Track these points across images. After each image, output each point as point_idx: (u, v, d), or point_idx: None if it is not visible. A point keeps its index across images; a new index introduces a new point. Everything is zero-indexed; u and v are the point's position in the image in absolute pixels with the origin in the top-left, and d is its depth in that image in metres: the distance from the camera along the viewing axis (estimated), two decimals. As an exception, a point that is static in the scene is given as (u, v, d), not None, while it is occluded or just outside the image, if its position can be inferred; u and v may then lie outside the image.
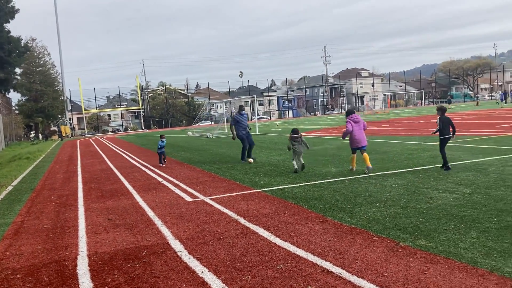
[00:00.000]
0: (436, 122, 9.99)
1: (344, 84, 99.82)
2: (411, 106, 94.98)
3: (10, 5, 31.40)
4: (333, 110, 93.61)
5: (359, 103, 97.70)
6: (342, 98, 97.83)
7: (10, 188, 12.25)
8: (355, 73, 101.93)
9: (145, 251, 5.46)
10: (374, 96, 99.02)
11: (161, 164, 14.53)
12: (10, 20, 31.81)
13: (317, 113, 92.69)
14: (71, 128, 65.40)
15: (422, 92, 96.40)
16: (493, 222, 5.55)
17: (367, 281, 4.06)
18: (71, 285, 4.55)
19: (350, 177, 9.56)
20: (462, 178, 8.49)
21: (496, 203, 6.46)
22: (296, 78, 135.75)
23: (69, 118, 67.07)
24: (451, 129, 9.73)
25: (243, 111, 14.41)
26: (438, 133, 9.86)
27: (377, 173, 9.80)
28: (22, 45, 34.23)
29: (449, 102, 56.48)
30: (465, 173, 9.06)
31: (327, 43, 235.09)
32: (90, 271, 4.91)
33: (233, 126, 14.02)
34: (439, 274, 4.10)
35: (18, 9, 32.09)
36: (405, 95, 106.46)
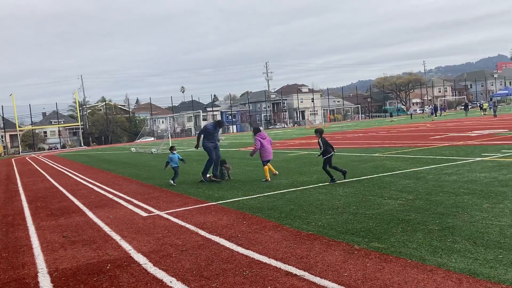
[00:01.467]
0: (318, 143, 10.63)
1: (286, 99, 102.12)
2: (349, 120, 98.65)
3: None
4: (276, 124, 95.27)
5: (300, 118, 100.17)
6: (284, 113, 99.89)
7: None
8: (296, 88, 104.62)
9: (108, 265, 5.47)
10: (314, 111, 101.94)
11: (173, 183, 12.16)
12: None
13: (261, 128, 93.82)
14: (3, 147, 61.95)
15: (359, 106, 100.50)
16: (435, 224, 6.08)
17: (330, 281, 4.37)
18: (37, 301, 4.50)
19: (301, 188, 9.96)
20: (404, 186, 9.12)
21: (437, 207, 7.05)
22: (239, 93, 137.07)
23: (1, 136, 63.56)
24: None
25: (219, 128, 13.12)
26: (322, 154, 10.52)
27: (326, 183, 10.27)
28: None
29: (391, 115, 60.87)
30: (406, 181, 9.72)
31: (268, 59, 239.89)
32: (55, 287, 4.87)
33: (201, 135, 12.73)
34: (393, 271, 4.49)
35: None
36: (343, 109, 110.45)
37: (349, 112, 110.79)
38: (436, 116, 56.21)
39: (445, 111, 75.26)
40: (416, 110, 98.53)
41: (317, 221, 6.78)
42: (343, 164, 13.78)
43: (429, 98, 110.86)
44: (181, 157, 12.65)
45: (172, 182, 12.19)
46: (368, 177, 10.79)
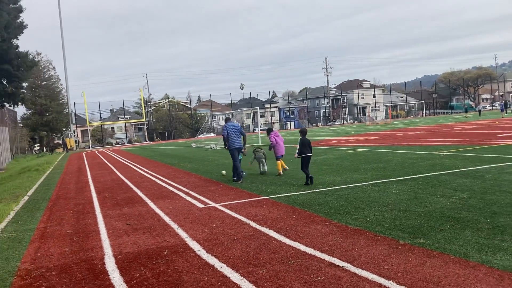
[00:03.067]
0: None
1: (346, 95, 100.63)
2: (412, 116, 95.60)
3: (18, 20, 32.21)
4: (335, 121, 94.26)
5: (361, 114, 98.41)
6: (343, 109, 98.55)
7: (26, 197, 12.75)
8: (356, 84, 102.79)
9: (166, 251, 5.95)
10: (375, 107, 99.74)
11: (241, 180, 12.25)
12: (18, 35, 32.60)
13: (319, 124, 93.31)
14: (75, 141, 66.02)
15: (423, 103, 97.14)
16: (486, 223, 6.03)
17: (370, 272, 4.55)
18: (103, 279, 5.03)
19: (354, 185, 10.05)
20: (460, 184, 8.97)
21: (491, 206, 6.94)
22: (298, 89, 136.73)
23: (74, 131, 67.76)
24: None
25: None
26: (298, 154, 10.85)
27: (379, 181, 10.29)
28: (29, 59, 34.96)
29: (466, 111, 59.86)
30: (463, 179, 9.54)
31: (328, 54, 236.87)
32: (118, 268, 5.39)
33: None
34: (435, 266, 4.58)
35: (27, 25, 32.89)
36: (406, 106, 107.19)
37: (412, 109, 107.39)
38: (506, 113, 53.23)
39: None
40: (486, 106, 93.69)
41: (366, 217, 6.91)
42: (399, 161, 13.66)
43: (500, 93, 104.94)
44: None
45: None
46: (424, 175, 10.66)
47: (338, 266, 4.82)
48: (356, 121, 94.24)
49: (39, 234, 7.73)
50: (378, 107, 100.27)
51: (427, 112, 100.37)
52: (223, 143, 13.66)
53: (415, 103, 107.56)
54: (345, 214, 7.23)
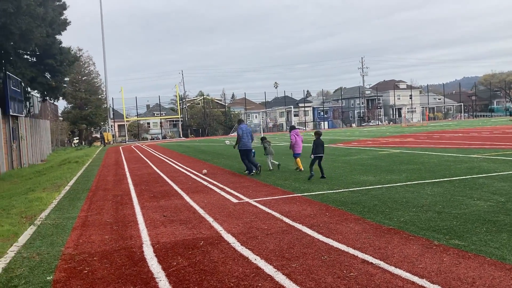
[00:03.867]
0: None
1: (381, 96, 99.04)
2: (450, 119, 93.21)
3: (62, 17, 33.34)
4: (370, 121, 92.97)
5: (396, 115, 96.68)
6: (379, 109, 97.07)
7: (67, 188, 13.27)
8: (392, 85, 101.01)
9: (202, 242, 6.13)
10: (412, 108, 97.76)
11: (252, 172, 13.37)
12: (62, 32, 33.73)
13: (353, 125, 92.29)
14: (112, 135, 67.74)
15: (461, 105, 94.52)
16: (524, 227, 5.92)
17: (404, 270, 4.57)
18: (142, 266, 5.25)
19: (388, 185, 10.00)
20: (498, 188, 8.79)
21: (529, 210, 6.79)
22: (332, 89, 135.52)
23: (111, 126, 69.52)
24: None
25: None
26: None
27: (414, 182, 10.19)
28: (72, 55, 36.12)
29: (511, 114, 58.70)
30: (501, 183, 9.34)
31: (364, 54, 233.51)
32: (156, 256, 5.61)
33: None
34: (470, 267, 4.57)
35: (70, 22, 33.98)
36: (444, 108, 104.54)
37: (450, 111, 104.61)
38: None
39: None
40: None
41: (400, 217, 6.89)
42: (436, 163, 13.44)
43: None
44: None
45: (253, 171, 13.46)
46: (461, 177, 10.48)
47: (371, 263, 4.86)
48: (391, 122, 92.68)
49: (80, 222, 8.07)
50: (415, 108, 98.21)
51: (466, 114, 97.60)
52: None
53: (453, 105, 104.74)
54: (379, 213, 7.23)
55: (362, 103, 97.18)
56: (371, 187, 9.91)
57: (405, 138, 28.82)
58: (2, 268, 5.47)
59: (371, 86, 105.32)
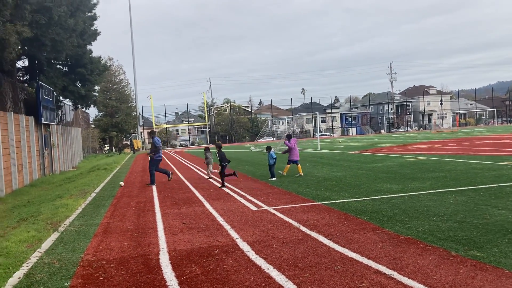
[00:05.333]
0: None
1: (411, 101, 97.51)
2: (482, 125, 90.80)
3: (93, 28, 34.28)
4: (399, 127, 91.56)
5: (426, 121, 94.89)
6: (408, 115, 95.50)
7: (93, 194, 13.59)
8: (422, 90, 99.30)
9: (217, 250, 6.18)
10: (442, 114, 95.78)
11: (274, 178, 14.09)
12: (92, 42, 34.67)
13: (382, 131, 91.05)
14: (142, 142, 68.94)
15: (494, 110, 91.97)
16: (548, 238, 5.72)
17: (417, 282, 4.49)
18: (156, 274, 5.33)
19: (411, 193, 9.82)
20: (525, 197, 8.51)
21: (556, 221, 6.55)
22: (361, 95, 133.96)
23: (141, 133, 70.79)
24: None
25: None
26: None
27: (437, 190, 9.99)
28: (102, 64, 37.06)
29: None
30: (529, 192, 9.04)
31: (394, 59, 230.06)
32: (171, 264, 5.68)
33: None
34: (487, 280, 4.44)
35: (100, 32, 34.90)
36: (476, 113, 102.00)
37: (483, 116, 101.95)
38: None
39: None
40: None
41: (419, 226, 6.76)
42: (462, 171, 13.13)
43: None
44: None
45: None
46: (487, 186, 10.20)
47: (384, 273, 4.80)
48: (421, 129, 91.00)
49: (102, 228, 8.25)
50: (445, 114, 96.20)
51: (499, 120, 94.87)
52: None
53: (486, 111, 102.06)
54: (398, 222, 7.11)
55: (391, 109, 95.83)
56: (393, 195, 9.76)
57: (433, 145, 28.24)
58: (24, 273, 5.64)
59: (400, 91, 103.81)
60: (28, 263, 6.10)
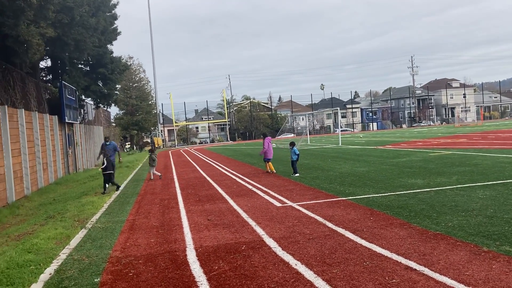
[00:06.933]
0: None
1: (433, 95, 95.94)
2: (507, 118, 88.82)
3: (113, 27, 34.66)
4: (421, 122, 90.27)
5: (449, 115, 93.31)
6: (430, 109, 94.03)
7: (117, 192, 13.75)
8: (444, 83, 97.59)
9: (243, 246, 6.18)
10: (465, 107, 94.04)
11: (297, 174, 14.10)
12: (113, 41, 35.07)
13: (404, 125, 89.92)
14: (162, 140, 69.57)
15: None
16: None
17: (449, 278, 4.40)
18: (184, 270, 5.36)
19: (437, 188, 9.66)
20: (557, 191, 8.29)
21: None
22: (381, 89, 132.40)
23: (161, 131, 71.44)
24: None
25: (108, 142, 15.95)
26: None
27: (464, 185, 9.80)
28: (122, 63, 37.46)
29: None
30: (561, 186, 8.79)
31: (415, 52, 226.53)
32: (199, 260, 5.70)
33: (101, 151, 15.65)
34: (521, 276, 4.33)
35: (120, 32, 35.28)
36: (501, 106, 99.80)
37: (508, 109, 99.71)
38: None
39: None
40: None
41: (447, 222, 6.64)
42: (489, 165, 12.86)
43: None
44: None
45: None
46: (516, 180, 9.97)
47: (415, 269, 4.72)
48: (443, 123, 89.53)
49: (128, 225, 8.34)
50: (469, 107, 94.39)
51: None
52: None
53: (510, 104, 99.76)
54: (426, 218, 7.00)
55: (413, 103, 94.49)
56: (419, 190, 9.61)
57: (458, 139, 27.76)
58: (55, 269, 5.74)
59: (421, 85, 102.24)
60: (58, 260, 6.20)
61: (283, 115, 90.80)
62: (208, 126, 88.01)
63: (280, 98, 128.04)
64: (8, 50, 17.22)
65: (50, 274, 5.57)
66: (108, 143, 15.90)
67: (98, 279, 5.23)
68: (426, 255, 5.15)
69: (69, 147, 25.41)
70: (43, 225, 9.33)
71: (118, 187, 14.30)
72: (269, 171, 15.53)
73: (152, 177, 16.77)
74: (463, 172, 11.95)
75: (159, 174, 17.37)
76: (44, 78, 29.18)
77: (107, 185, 13.93)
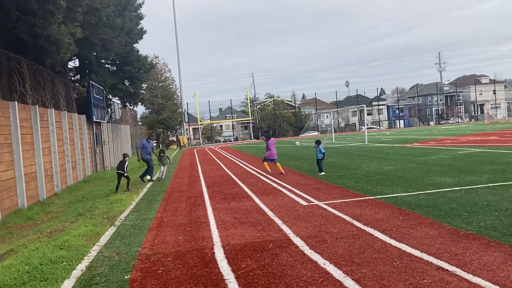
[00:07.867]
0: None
1: (461, 91, 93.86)
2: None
3: (139, 27, 35.11)
4: (449, 119, 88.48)
5: (478, 112, 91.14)
6: (458, 106, 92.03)
7: (145, 189, 13.94)
8: (473, 79, 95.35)
9: (270, 244, 6.17)
10: (495, 104, 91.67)
11: (322, 173, 13.98)
12: (139, 40, 35.53)
13: (431, 123, 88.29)
14: (187, 138, 70.21)
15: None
16: None
17: (483, 279, 4.30)
18: (213, 268, 5.39)
19: (467, 187, 9.45)
20: None
21: None
22: (408, 86, 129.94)
23: (186, 129, 72.09)
24: None
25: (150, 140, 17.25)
26: None
27: (496, 184, 9.55)
28: (148, 62, 37.92)
29: None
30: None
31: (442, 48, 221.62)
32: (227, 258, 5.72)
33: (139, 150, 16.96)
34: (560, 278, 4.19)
35: (146, 30, 35.72)
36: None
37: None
38: None
39: None
40: None
41: (480, 221, 6.49)
42: (521, 164, 12.48)
43: None
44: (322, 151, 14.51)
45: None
46: (551, 179, 9.66)
47: (447, 270, 4.62)
48: (472, 120, 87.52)
49: (156, 223, 8.44)
50: (499, 104, 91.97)
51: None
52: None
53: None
54: (456, 217, 6.85)
55: (440, 100, 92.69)
56: (449, 189, 9.42)
57: (488, 136, 27.08)
58: (86, 266, 5.86)
59: (449, 82, 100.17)
60: (89, 257, 6.32)
61: (307, 112, 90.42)
62: (232, 125, 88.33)
63: (303, 95, 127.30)
64: (40, 50, 17.63)
65: (82, 270, 5.68)
66: (149, 141, 17.16)
67: (128, 276, 5.31)
68: (458, 255, 5.04)
69: (96, 145, 25.88)
70: (73, 222, 9.53)
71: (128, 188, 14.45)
72: (268, 170, 15.49)
73: (163, 176, 17.00)
74: (495, 170, 11.65)
75: (158, 178, 17.01)
76: (72, 78, 29.78)
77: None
